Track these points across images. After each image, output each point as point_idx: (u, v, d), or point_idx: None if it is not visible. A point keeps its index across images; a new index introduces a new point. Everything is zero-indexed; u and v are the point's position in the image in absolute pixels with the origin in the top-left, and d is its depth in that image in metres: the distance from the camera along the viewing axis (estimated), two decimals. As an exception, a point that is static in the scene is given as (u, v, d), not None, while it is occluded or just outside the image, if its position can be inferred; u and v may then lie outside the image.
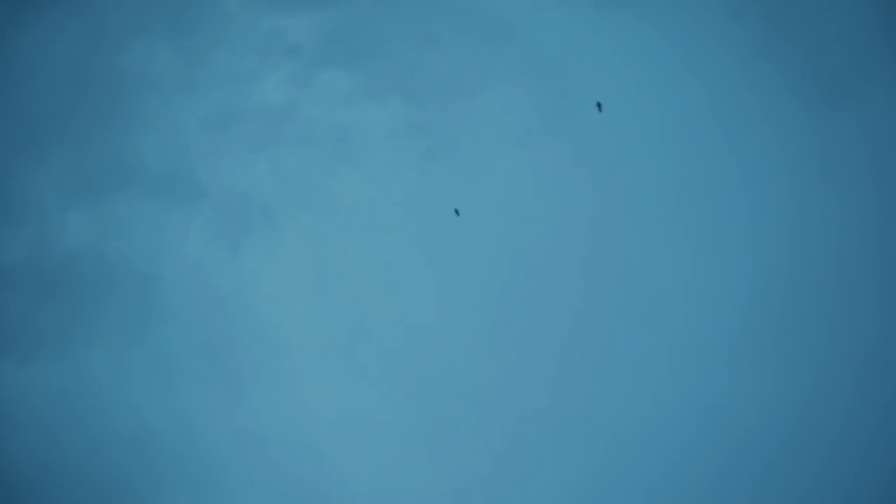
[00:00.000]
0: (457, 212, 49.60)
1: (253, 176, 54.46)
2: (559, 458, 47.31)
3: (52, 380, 50.00)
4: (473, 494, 47.43)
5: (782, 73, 51.30)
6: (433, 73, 54.76)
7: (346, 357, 51.14)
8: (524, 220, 51.76)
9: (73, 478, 47.99)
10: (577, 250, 50.82)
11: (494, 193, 51.53)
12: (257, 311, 52.22)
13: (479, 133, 53.50)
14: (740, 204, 50.18)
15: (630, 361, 48.53)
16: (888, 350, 45.69)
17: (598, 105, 46.19)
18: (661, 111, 51.79)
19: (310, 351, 51.39)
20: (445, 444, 48.64)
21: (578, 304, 50.07)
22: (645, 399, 47.48)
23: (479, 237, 51.86)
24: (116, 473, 48.30)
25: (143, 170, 54.07)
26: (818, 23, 51.47)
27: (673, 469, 46.13)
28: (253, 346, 51.45)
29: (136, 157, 54.17)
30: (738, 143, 51.01)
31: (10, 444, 48.19)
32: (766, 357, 47.02)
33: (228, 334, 51.60)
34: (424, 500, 47.79)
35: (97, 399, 49.99)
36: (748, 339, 47.62)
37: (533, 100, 53.64)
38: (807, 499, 44.59)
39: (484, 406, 49.07)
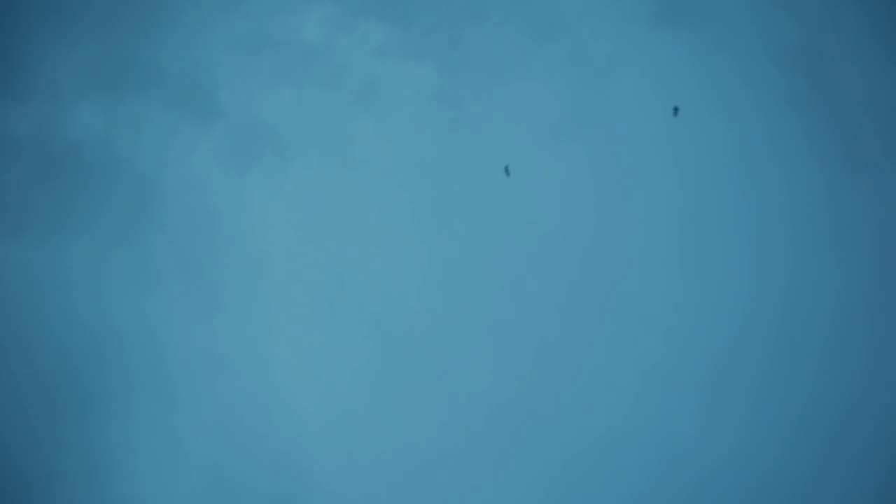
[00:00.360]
0: (507, 170, 49.31)
1: (273, 106, 54.23)
2: (510, 456, 47.98)
3: (32, 260, 50.15)
4: (416, 465, 48.09)
5: (811, 127, 51.25)
6: (473, 48, 54.41)
7: (322, 304, 51.41)
8: (527, 214, 51.82)
9: (27, 363, 48.29)
10: (572, 255, 51.03)
11: (504, 181, 51.51)
12: (247, 239, 52.35)
13: (502, 117, 53.36)
14: (741, 248, 50.40)
15: (603, 380, 49.03)
16: (860, 413, 46.35)
17: (675, 109, 45.99)
18: (684, 142, 51.77)
19: (288, 289, 51.66)
20: (400, 411, 49.19)
21: (564, 308, 50.39)
22: (613, 421, 48.08)
23: (480, 220, 51.99)
24: (73, 368, 48.63)
25: (166, 76, 53.71)
26: (856, 88, 51.51)
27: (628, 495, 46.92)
28: (234, 272, 51.66)
29: (162, 61, 53.76)
30: (754, 188, 51.17)
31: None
32: (737, 407, 47.65)
33: (213, 255, 51.77)
34: (368, 456, 48.47)
35: (71, 289, 50.26)
36: (723, 384, 48.20)
37: (563, 100, 53.44)
38: None
39: (445, 386, 49.53)
